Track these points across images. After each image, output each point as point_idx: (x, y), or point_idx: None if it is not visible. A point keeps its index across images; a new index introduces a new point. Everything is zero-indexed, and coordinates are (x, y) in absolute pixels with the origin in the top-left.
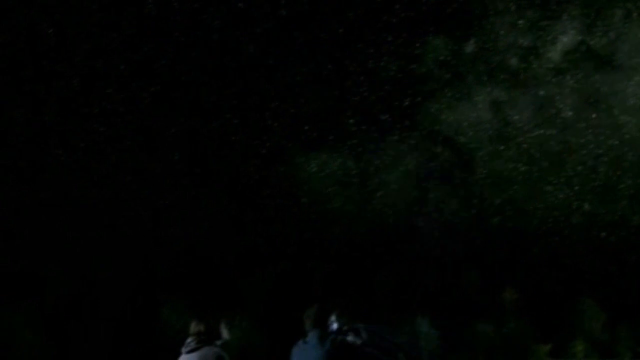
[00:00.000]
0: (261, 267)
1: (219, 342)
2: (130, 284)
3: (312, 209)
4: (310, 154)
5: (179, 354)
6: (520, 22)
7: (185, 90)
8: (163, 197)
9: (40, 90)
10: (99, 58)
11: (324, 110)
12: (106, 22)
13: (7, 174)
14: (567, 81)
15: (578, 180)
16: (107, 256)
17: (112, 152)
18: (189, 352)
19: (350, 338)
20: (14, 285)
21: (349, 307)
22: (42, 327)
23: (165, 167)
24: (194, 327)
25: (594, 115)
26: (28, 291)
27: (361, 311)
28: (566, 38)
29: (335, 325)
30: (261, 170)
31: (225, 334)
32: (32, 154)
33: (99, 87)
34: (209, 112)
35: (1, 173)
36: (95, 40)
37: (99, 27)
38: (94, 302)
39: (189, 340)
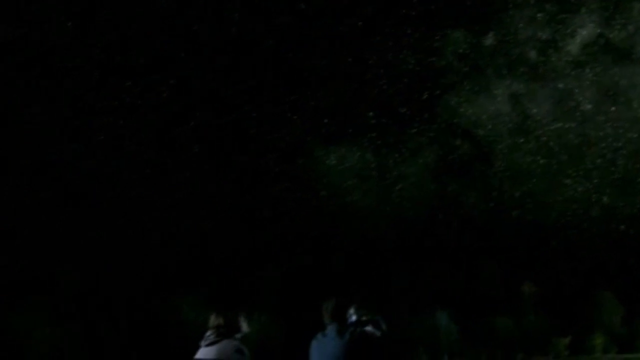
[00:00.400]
0: (279, 261)
1: (238, 336)
2: (148, 278)
3: (330, 202)
4: (329, 147)
5: (197, 347)
6: (539, 15)
7: (203, 83)
8: (180, 191)
9: (58, 84)
10: (116, 51)
11: (343, 103)
12: (124, 15)
13: (22, 170)
14: (586, 74)
15: (597, 173)
16: (124, 250)
17: (129, 146)
18: (207, 345)
19: (369, 329)
20: (32, 282)
21: (367, 300)
22: (60, 323)
23: (183, 160)
24: (213, 320)
25: (613, 108)
26: (46, 288)
27: (379, 305)
28: (585, 31)
29: (354, 318)
30: (280, 163)
31: (244, 327)
32: (48, 149)
33: (116, 80)
34: (227, 105)
35: (16, 169)
36: (113, 33)
37: (116, 20)
38: (111, 297)
39: (208, 333)
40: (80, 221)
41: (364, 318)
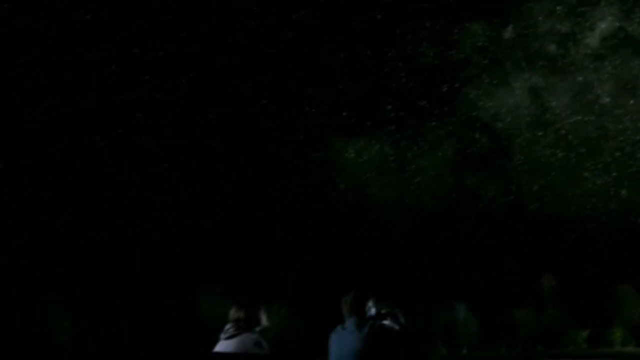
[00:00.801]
0: (298, 254)
1: (257, 329)
2: (167, 272)
3: (349, 195)
4: (348, 140)
5: (216, 340)
6: (559, 8)
7: (222, 76)
8: (197, 184)
9: (77, 76)
10: (135, 44)
11: (361, 96)
12: (142, 8)
13: (35, 165)
14: (605, 67)
15: (616, 166)
16: (144, 243)
17: (146, 139)
18: (227, 338)
19: (387, 323)
20: (54, 276)
21: (386, 293)
22: (79, 315)
23: (201, 154)
24: (233, 313)
25: (632, 102)
26: (66, 282)
27: (398, 298)
28: (604, 24)
29: (373, 311)
30: (298, 156)
31: (264, 320)
32: (62, 143)
33: (135, 73)
34: (245, 98)
35: (31, 165)
36: (132, 26)
37: (135, 12)
38: (132, 288)
39: (227, 326)
40: (98, 216)
41: (383, 311)
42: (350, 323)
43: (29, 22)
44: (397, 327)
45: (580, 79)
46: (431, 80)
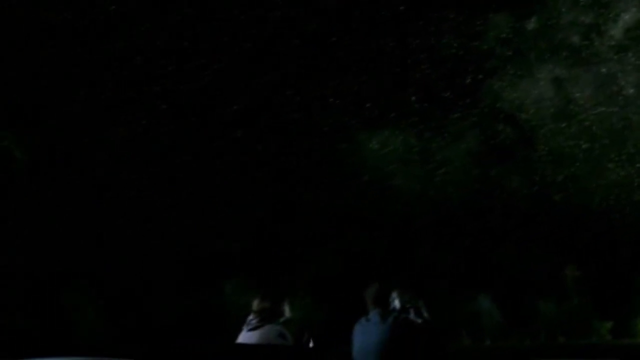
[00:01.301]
0: (322, 245)
1: (281, 320)
2: (191, 264)
3: (373, 186)
4: (372, 132)
5: (239, 331)
6: None
7: (245, 67)
8: (222, 176)
9: (102, 68)
10: (159, 35)
11: (385, 87)
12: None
13: (62, 162)
14: (629, 58)
15: None
16: (169, 233)
17: (173, 130)
18: (250, 329)
19: (411, 316)
20: (79, 269)
21: (410, 285)
22: (103, 307)
23: (225, 145)
24: (257, 304)
25: None
26: (90, 275)
27: (422, 290)
28: (628, 15)
29: (397, 303)
30: (322, 147)
31: (287, 312)
32: (87, 135)
33: (159, 64)
34: (269, 89)
35: (59, 161)
36: (156, 17)
37: (159, 4)
38: (155, 280)
39: (250, 317)
40: (121, 210)
41: (407, 305)
42: (374, 315)
43: (52, 13)
44: (419, 321)
45: (604, 70)
46: (455, 71)
